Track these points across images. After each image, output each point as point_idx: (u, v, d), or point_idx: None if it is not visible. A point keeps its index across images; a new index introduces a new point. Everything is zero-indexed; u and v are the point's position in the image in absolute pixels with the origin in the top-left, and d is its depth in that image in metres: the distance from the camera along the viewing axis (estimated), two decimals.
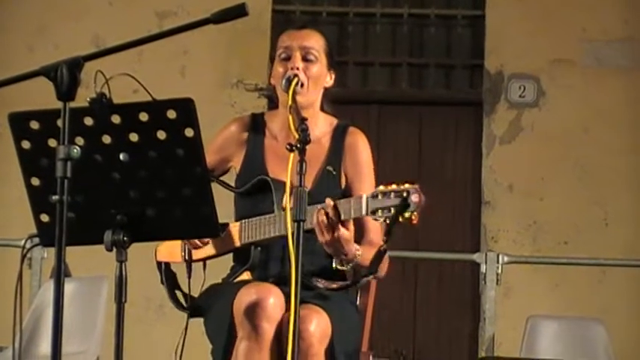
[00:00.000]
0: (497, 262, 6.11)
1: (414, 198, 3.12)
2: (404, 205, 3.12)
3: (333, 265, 3.36)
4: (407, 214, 3.12)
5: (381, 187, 3.19)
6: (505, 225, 7.51)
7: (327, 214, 3.22)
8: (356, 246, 3.32)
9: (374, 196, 3.18)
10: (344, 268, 3.36)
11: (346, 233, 3.24)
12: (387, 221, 3.16)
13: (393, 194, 3.15)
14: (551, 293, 7.18)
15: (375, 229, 3.53)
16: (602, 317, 6.01)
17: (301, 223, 3.10)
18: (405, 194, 3.13)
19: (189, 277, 3.53)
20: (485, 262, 6.13)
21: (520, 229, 7.48)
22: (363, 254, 3.34)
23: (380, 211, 3.16)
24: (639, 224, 7.36)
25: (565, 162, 7.52)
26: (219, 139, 3.64)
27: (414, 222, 3.14)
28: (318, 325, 3.27)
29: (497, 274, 6.10)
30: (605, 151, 7.47)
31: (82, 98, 2.76)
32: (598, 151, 7.49)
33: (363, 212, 3.19)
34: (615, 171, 7.45)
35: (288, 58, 3.50)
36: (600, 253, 7.07)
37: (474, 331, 7.33)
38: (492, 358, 5.84)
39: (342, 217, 3.24)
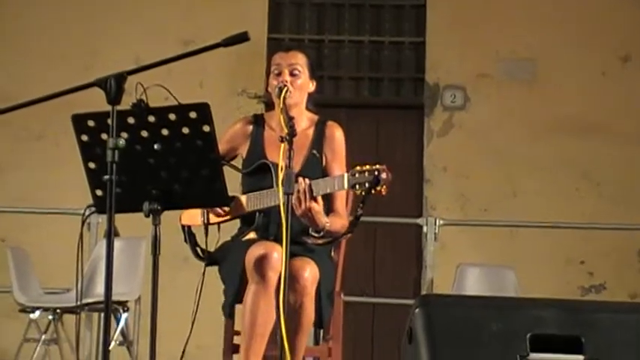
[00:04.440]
0: (435, 224, 6.11)
1: (384, 175, 3.13)
2: (376, 180, 3.12)
3: (310, 232, 3.33)
4: (378, 188, 3.12)
5: (358, 167, 3.18)
6: (441, 197, 7.50)
7: (301, 190, 3.19)
8: (325, 218, 3.30)
9: (352, 174, 3.17)
10: (317, 235, 3.32)
11: (316, 206, 3.23)
12: (363, 193, 3.15)
13: (367, 173, 3.14)
14: (475, 247, 7.18)
15: (341, 200, 3.50)
16: (512, 265, 6.05)
17: (289, 196, 3.08)
18: (376, 172, 3.13)
19: (207, 236, 3.50)
20: (427, 225, 6.13)
21: (452, 200, 7.48)
22: (332, 224, 3.32)
23: (357, 185, 3.15)
24: (537, 197, 7.37)
25: (485, 150, 7.51)
26: (229, 133, 3.61)
27: (384, 193, 3.14)
28: (310, 272, 3.26)
29: (435, 234, 6.10)
30: (513, 143, 7.47)
31: (126, 103, 2.75)
32: (508, 143, 7.48)
33: (345, 186, 3.18)
34: (521, 157, 7.46)
35: (279, 74, 3.49)
36: (511, 217, 7.10)
37: (417, 276, 7.33)
38: (432, 294, 5.84)
39: (329, 190, 3.23)
